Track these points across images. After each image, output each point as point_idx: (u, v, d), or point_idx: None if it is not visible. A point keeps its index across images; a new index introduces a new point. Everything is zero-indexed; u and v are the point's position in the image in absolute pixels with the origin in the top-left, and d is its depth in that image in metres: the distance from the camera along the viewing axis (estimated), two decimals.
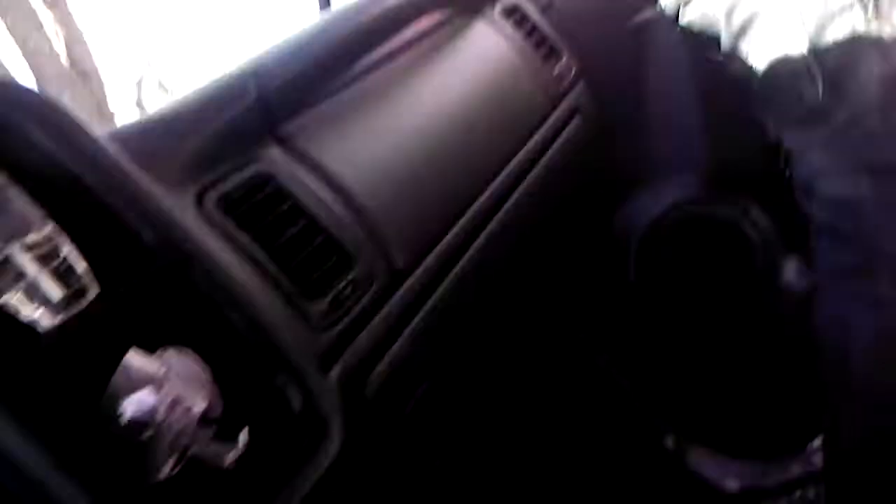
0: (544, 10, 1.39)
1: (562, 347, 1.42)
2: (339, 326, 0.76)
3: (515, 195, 1.07)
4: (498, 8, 1.21)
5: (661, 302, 1.48)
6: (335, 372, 0.74)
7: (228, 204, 0.74)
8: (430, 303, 0.88)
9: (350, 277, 0.79)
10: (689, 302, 1.48)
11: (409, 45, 1.03)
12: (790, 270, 1.49)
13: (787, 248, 1.49)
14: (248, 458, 0.58)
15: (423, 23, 1.07)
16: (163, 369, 0.58)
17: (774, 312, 1.46)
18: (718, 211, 1.46)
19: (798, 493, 1.43)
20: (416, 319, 0.86)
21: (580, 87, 1.29)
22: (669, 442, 1.48)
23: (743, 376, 1.52)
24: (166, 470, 0.57)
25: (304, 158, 0.83)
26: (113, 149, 0.63)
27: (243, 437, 0.56)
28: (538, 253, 1.14)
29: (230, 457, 0.56)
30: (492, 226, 1.01)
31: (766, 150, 1.43)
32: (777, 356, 1.46)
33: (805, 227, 1.48)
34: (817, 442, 1.64)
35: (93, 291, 0.56)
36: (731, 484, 1.45)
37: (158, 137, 0.73)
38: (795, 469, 1.43)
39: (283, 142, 0.82)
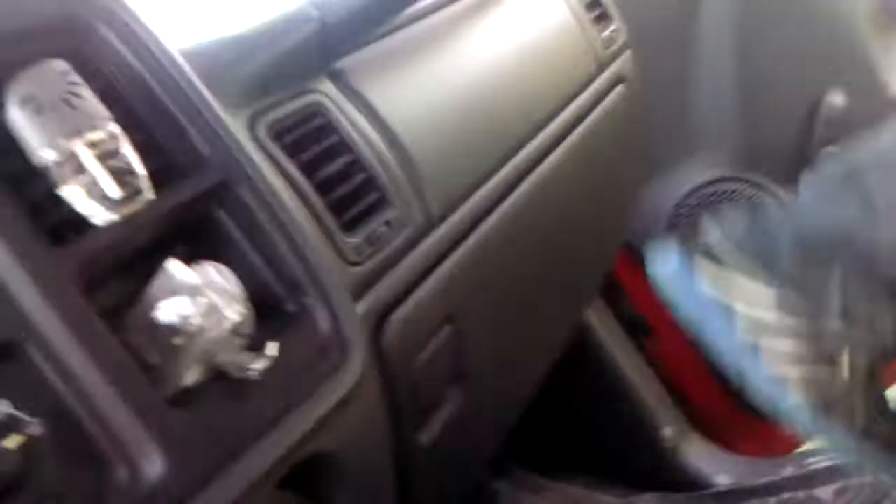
0: None
1: (576, 322, 1.44)
2: (370, 263, 0.78)
3: (552, 157, 1.08)
4: None
5: None
6: (361, 306, 0.76)
7: (279, 131, 0.75)
8: (457, 253, 0.90)
9: (386, 217, 0.81)
10: None
11: None
12: None
13: None
14: (274, 372, 0.60)
15: None
16: (201, 280, 0.61)
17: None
18: (748, 191, 1.48)
19: (787, 495, 1.46)
20: (443, 267, 0.88)
21: (627, 55, 1.30)
22: (667, 432, 1.50)
23: None
24: (192, 376, 0.59)
25: (355, 95, 0.84)
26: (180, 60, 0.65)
27: (271, 349, 0.59)
28: (568, 217, 1.16)
29: (257, 367, 0.58)
30: (525, 185, 1.03)
31: (798, 134, 1.45)
32: None
33: None
34: (811, 445, 1.67)
35: (148, 195, 0.58)
36: (723, 479, 1.47)
37: (220, 58, 0.74)
38: (788, 470, 1.45)
39: (337, 76, 0.84)
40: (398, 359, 0.80)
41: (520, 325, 1.08)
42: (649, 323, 1.57)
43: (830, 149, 1.45)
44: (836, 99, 1.45)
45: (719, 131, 1.52)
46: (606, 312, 1.51)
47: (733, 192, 1.49)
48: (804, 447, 1.61)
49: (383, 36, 0.92)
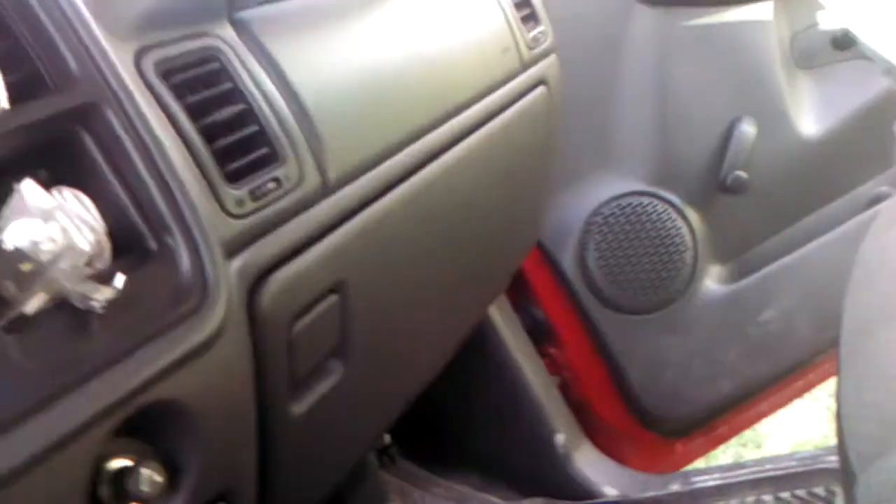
0: None
1: (478, 318, 1.42)
2: (253, 219, 0.75)
3: (463, 145, 1.06)
4: None
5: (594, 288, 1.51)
6: (238, 261, 0.73)
7: (168, 69, 0.72)
8: (352, 223, 0.87)
9: (276, 174, 0.77)
10: (618, 290, 1.51)
11: None
12: (712, 277, 1.54)
13: (716, 255, 1.54)
14: (123, 308, 0.57)
15: None
16: (56, 205, 0.57)
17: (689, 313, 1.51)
18: (659, 207, 1.50)
19: None
20: (335, 235, 0.85)
21: (552, 59, 1.29)
22: (560, 439, 1.50)
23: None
24: (36, 304, 0.55)
25: (258, 48, 0.81)
26: None
27: (118, 281, 0.55)
28: (476, 208, 1.14)
29: (100, 298, 0.54)
30: (432, 168, 1.00)
31: (710, 157, 1.49)
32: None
33: (734, 237, 1.54)
34: (700, 463, 1.70)
35: (3, 105, 0.55)
36: (609, 491, 1.48)
37: None
38: (674, 487, 1.46)
39: (242, 25, 0.81)
40: (274, 321, 0.77)
41: (415, 310, 1.06)
42: (555, 329, 1.57)
43: (739, 173, 1.49)
44: (748, 128, 1.50)
45: (637, 147, 1.55)
46: (511, 312, 1.51)
47: (645, 206, 1.51)
48: (691, 465, 1.64)
49: None
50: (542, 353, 1.56)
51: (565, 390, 1.56)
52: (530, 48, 1.25)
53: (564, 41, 1.34)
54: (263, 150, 0.77)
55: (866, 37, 1.30)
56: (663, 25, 1.51)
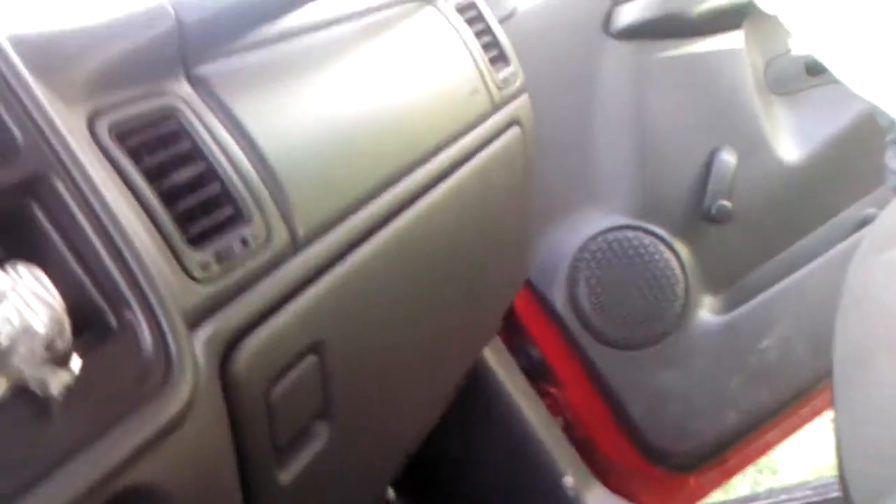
0: (504, 19, 1.39)
1: (470, 362, 1.38)
2: (221, 283, 0.71)
3: (437, 190, 1.04)
4: (453, 1, 1.19)
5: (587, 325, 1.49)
6: (207, 329, 0.69)
7: (123, 132, 0.69)
8: (326, 279, 0.84)
9: (242, 234, 0.74)
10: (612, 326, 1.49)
11: (352, 15, 1.00)
12: (706, 307, 1.51)
13: (707, 285, 1.52)
14: (84, 392, 0.53)
15: None
16: (9, 283, 0.54)
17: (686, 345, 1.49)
18: (646, 240, 1.49)
19: None
20: (309, 293, 0.82)
21: (523, 99, 1.28)
22: (569, 481, 1.46)
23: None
24: None
25: (218, 104, 0.78)
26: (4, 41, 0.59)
27: (75, 364, 0.52)
28: (457, 253, 1.11)
29: (57, 384, 0.51)
30: (408, 215, 0.98)
31: (693, 187, 1.48)
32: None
33: (724, 267, 1.52)
34: (718, 494, 1.65)
35: None
36: None
37: (60, 47, 0.68)
38: None
39: (199, 82, 0.78)
40: (250, 388, 0.73)
41: (402, 362, 1.02)
42: (553, 368, 1.53)
43: (723, 202, 1.47)
44: (728, 157, 1.49)
45: (619, 181, 1.53)
46: (506, 353, 1.47)
47: (632, 239, 1.49)
48: (707, 499, 1.59)
49: (259, 46, 0.87)
50: (542, 393, 1.52)
51: (569, 430, 1.52)
52: (500, 88, 1.23)
53: (538, 81, 1.33)
54: (227, 211, 0.74)
55: (832, 63, 1.30)
56: (635, 59, 1.51)
